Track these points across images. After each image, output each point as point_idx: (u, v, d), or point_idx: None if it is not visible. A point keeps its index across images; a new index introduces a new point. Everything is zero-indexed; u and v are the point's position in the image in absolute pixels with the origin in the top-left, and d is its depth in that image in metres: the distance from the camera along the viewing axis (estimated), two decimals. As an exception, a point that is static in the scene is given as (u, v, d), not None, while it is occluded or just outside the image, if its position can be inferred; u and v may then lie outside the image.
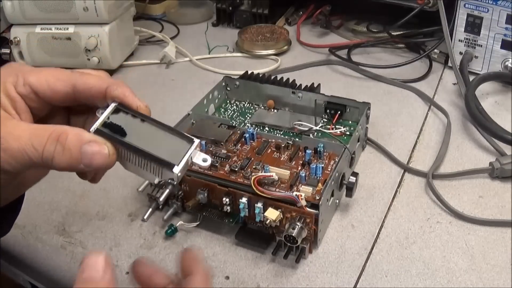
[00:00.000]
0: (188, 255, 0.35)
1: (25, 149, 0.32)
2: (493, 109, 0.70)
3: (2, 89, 0.35)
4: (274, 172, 0.51)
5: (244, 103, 0.70)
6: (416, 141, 0.66)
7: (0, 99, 0.34)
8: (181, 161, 0.34)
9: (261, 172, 0.52)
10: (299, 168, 0.54)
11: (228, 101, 0.70)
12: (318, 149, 0.55)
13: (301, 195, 0.47)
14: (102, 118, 0.35)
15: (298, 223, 0.47)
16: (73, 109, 0.39)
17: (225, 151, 0.56)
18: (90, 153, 0.33)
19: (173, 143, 0.35)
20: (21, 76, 0.35)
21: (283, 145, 0.56)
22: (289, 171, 0.52)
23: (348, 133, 0.62)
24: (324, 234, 0.53)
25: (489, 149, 0.64)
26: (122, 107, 0.35)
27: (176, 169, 0.34)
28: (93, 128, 0.34)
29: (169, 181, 0.37)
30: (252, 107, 0.69)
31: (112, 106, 0.35)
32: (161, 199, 0.52)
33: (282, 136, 0.62)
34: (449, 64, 0.80)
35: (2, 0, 0.79)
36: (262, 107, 0.69)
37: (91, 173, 0.38)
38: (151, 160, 0.34)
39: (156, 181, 0.36)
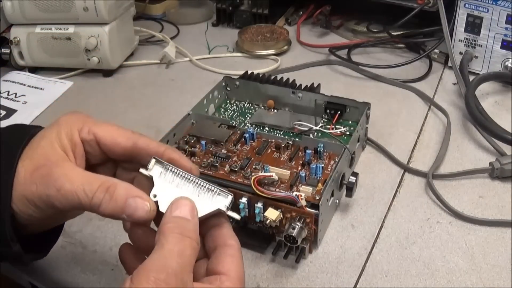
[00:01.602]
0: (226, 251, 0.37)
1: (76, 192, 0.35)
2: (493, 109, 0.70)
3: (67, 132, 0.38)
4: (274, 172, 0.51)
5: (244, 103, 0.70)
6: (416, 141, 0.66)
7: (63, 140, 0.38)
8: (229, 195, 0.38)
9: (261, 172, 0.52)
10: (299, 168, 0.54)
11: (228, 101, 0.70)
12: (318, 149, 0.55)
13: (301, 195, 0.47)
14: (155, 178, 0.38)
15: (298, 223, 0.47)
16: (120, 165, 0.42)
17: (225, 151, 0.56)
18: (133, 206, 0.36)
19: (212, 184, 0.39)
20: (87, 125, 0.39)
21: (283, 145, 0.56)
22: (289, 171, 0.52)
23: (348, 133, 0.62)
24: (324, 234, 0.53)
25: (489, 149, 0.64)
26: (160, 160, 0.39)
27: (230, 197, 0.38)
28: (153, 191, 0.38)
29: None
30: (252, 107, 0.69)
31: (153, 161, 0.39)
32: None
33: (282, 136, 0.62)
34: (449, 64, 0.80)
35: (2, 0, 0.79)
36: (262, 107, 0.69)
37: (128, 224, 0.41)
38: (206, 186, 0.38)
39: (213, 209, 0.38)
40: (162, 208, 0.37)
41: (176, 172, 0.38)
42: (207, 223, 0.38)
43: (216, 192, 0.38)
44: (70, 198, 0.35)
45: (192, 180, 0.38)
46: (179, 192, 0.38)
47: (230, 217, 0.39)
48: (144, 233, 0.39)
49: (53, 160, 0.37)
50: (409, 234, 0.52)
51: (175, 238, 0.34)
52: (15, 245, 0.37)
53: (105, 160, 0.41)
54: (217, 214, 0.38)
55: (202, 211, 0.37)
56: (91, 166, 0.40)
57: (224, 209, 0.37)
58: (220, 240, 0.38)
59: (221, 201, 0.38)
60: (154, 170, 0.38)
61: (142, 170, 0.38)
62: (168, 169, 0.38)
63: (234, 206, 0.51)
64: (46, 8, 0.78)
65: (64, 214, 0.41)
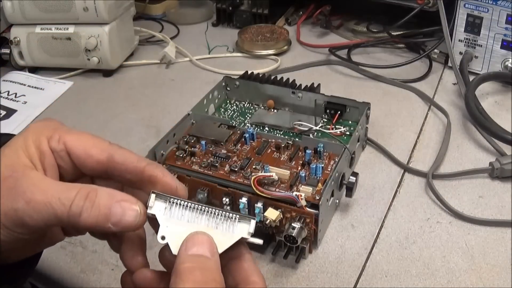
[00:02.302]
0: (244, 265, 0.33)
1: (51, 203, 0.30)
2: (493, 109, 0.70)
3: (34, 140, 0.33)
4: (274, 172, 0.51)
5: (244, 103, 0.70)
6: (416, 141, 0.66)
7: (30, 148, 0.33)
8: (252, 219, 0.33)
9: (261, 172, 0.52)
10: (299, 168, 0.54)
11: (228, 101, 0.70)
12: (318, 149, 0.55)
13: (301, 195, 0.47)
14: (150, 202, 0.33)
15: (298, 223, 0.47)
16: (97, 183, 0.36)
17: (225, 151, 0.56)
18: (119, 212, 0.31)
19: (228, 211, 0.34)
20: (58, 133, 0.34)
21: (283, 145, 0.56)
22: (289, 171, 0.52)
23: (348, 133, 0.62)
24: (324, 234, 0.53)
25: (489, 149, 0.64)
26: (161, 194, 0.33)
27: (253, 222, 0.33)
28: (150, 203, 0.33)
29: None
30: (252, 107, 0.69)
31: (152, 197, 0.33)
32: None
33: (282, 136, 0.62)
34: (449, 64, 0.80)
35: (2, 0, 0.79)
36: (262, 107, 0.69)
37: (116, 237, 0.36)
38: (224, 214, 0.33)
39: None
40: (175, 250, 0.31)
41: (184, 205, 0.33)
42: (224, 256, 0.33)
43: (235, 219, 0.33)
44: (43, 211, 0.30)
45: (205, 211, 0.33)
46: (192, 228, 0.32)
47: (251, 243, 0.33)
48: (152, 277, 0.34)
49: (19, 171, 0.31)
50: (409, 234, 0.52)
51: (196, 281, 0.29)
52: None
53: (80, 176, 0.35)
54: (236, 243, 0.33)
55: (223, 245, 0.32)
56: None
57: (248, 236, 0.32)
58: (241, 275, 0.33)
59: (243, 228, 0.33)
60: (156, 207, 0.33)
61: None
62: (174, 202, 0.33)
63: (235, 206, 0.51)
64: (46, 8, 0.78)
65: (37, 236, 0.34)
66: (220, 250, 0.32)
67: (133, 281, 0.34)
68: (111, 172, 0.34)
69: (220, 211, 0.33)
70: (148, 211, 0.32)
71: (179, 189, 0.35)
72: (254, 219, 0.33)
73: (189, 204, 0.33)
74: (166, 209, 0.33)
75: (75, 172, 0.35)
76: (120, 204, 0.31)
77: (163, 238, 0.32)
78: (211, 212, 0.33)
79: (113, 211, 0.31)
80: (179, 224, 0.32)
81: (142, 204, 0.32)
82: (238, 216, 0.33)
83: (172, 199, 0.33)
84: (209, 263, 0.30)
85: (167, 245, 0.32)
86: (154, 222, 0.33)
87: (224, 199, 0.50)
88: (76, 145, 0.34)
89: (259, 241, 0.33)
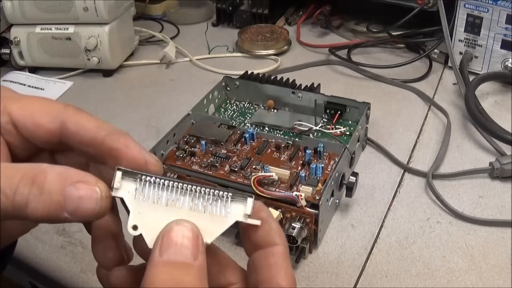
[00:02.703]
0: (266, 224, 0.27)
1: None
2: (493, 109, 0.70)
3: None
4: (274, 172, 0.51)
5: (244, 103, 0.70)
6: (416, 141, 0.66)
7: None
8: (248, 197, 0.26)
9: (261, 172, 0.52)
10: (299, 168, 0.54)
11: (228, 101, 0.70)
12: (318, 149, 0.55)
13: (301, 195, 0.47)
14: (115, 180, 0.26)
15: (298, 223, 0.47)
16: (58, 159, 0.31)
17: (225, 151, 0.56)
18: (76, 197, 0.24)
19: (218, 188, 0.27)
20: (1, 103, 0.28)
21: (283, 145, 0.56)
22: (289, 171, 0.52)
23: (348, 133, 0.62)
24: (324, 234, 0.53)
25: (489, 149, 0.64)
26: (131, 171, 0.26)
27: (250, 201, 0.26)
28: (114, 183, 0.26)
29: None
30: (252, 107, 0.69)
31: (118, 174, 0.26)
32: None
33: (282, 136, 0.62)
34: (449, 64, 0.80)
35: (2, 0, 0.79)
36: (262, 107, 0.69)
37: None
38: (213, 192, 0.26)
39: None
40: (151, 243, 0.25)
41: (160, 183, 0.26)
42: (250, 241, 0.28)
43: (227, 197, 0.26)
44: None
45: (188, 190, 0.26)
46: (172, 213, 0.25)
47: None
48: (129, 277, 0.28)
49: None
50: (409, 234, 0.52)
51: None
52: None
53: (37, 152, 0.30)
54: (265, 228, 0.27)
55: (213, 233, 0.26)
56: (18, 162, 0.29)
57: (244, 220, 0.26)
58: (265, 274, 0.27)
59: (238, 209, 0.26)
60: (123, 188, 0.25)
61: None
62: (146, 180, 0.26)
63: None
64: (46, 8, 0.78)
65: None
66: (209, 240, 0.26)
67: (109, 282, 0.29)
68: (67, 145, 0.28)
69: (208, 189, 0.26)
70: (114, 193, 0.25)
71: (150, 164, 0.27)
72: (252, 196, 0.26)
73: (167, 181, 0.26)
74: (137, 190, 0.26)
75: (28, 147, 0.29)
76: (75, 187, 0.24)
77: (135, 228, 0.25)
78: (196, 191, 0.26)
79: (67, 197, 0.24)
80: (155, 209, 0.25)
81: (104, 185, 0.25)
82: (231, 194, 0.26)
83: (143, 176, 0.26)
84: (190, 274, 0.24)
85: (141, 236, 0.25)
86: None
87: (224, 199, 0.50)
88: (23, 114, 0.28)
89: (257, 222, 0.27)
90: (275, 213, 0.48)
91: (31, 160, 0.30)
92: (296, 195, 0.47)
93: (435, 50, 0.84)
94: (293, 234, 0.46)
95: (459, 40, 0.78)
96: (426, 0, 0.81)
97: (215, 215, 0.26)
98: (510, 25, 0.72)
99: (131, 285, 0.28)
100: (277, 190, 0.51)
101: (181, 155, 0.55)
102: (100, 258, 0.29)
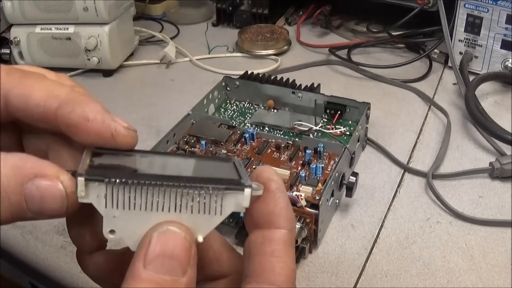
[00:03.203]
0: (271, 199, 0.23)
1: None
2: (493, 109, 0.70)
3: None
4: (274, 172, 0.51)
5: (244, 103, 0.70)
6: (416, 141, 0.66)
7: None
8: (244, 178, 0.23)
9: (261, 172, 0.52)
10: (299, 168, 0.54)
11: (228, 101, 0.70)
12: (318, 149, 0.55)
13: (301, 195, 0.47)
14: (82, 164, 0.22)
15: (298, 223, 0.47)
16: (26, 136, 0.25)
17: (225, 151, 0.56)
18: (37, 195, 0.20)
19: (212, 166, 0.24)
20: None
21: (283, 145, 0.56)
22: (289, 171, 0.52)
23: (348, 133, 0.62)
24: (324, 234, 0.53)
25: (489, 149, 0.64)
26: (103, 150, 0.22)
27: (247, 192, 0.22)
28: (78, 176, 0.21)
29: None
30: (252, 107, 0.69)
31: (85, 153, 0.22)
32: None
33: (282, 136, 0.62)
34: (449, 64, 0.80)
35: (2, 0, 0.79)
36: (262, 107, 0.69)
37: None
38: (202, 186, 0.21)
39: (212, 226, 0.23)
40: (134, 246, 0.22)
41: (134, 183, 0.21)
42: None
43: (218, 190, 0.22)
44: None
45: (168, 186, 0.21)
46: (156, 217, 0.21)
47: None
48: (107, 264, 0.25)
49: None
50: (409, 234, 0.52)
51: None
52: None
53: None
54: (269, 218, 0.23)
55: (203, 229, 0.22)
56: None
57: (241, 210, 0.23)
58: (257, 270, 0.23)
59: (231, 201, 0.22)
60: (90, 193, 0.21)
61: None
62: (117, 183, 0.21)
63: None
64: (46, 8, 0.78)
65: None
66: (201, 237, 0.22)
67: (87, 268, 0.26)
68: (17, 122, 0.23)
69: (193, 185, 0.21)
70: (80, 200, 0.21)
71: (119, 135, 0.22)
72: (249, 186, 0.22)
73: (141, 181, 0.21)
74: (107, 195, 0.21)
75: None
76: (34, 184, 0.20)
77: (112, 232, 0.22)
78: (178, 187, 0.21)
79: (28, 197, 0.20)
80: (132, 213, 0.21)
81: (68, 177, 0.21)
82: (223, 187, 0.22)
83: (111, 178, 0.21)
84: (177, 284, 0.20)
85: (121, 240, 0.22)
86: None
87: (224, 199, 0.50)
88: None
89: (259, 192, 0.23)
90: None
91: None
92: (296, 195, 0.47)
93: (435, 50, 0.84)
94: (293, 234, 0.46)
95: (459, 40, 0.78)
96: (426, 0, 0.81)
97: (204, 213, 0.22)
98: (510, 25, 0.72)
99: (111, 272, 0.25)
100: (277, 190, 0.50)
101: (181, 155, 0.55)
102: (77, 241, 0.26)
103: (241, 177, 0.23)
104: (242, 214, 0.24)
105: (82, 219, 0.25)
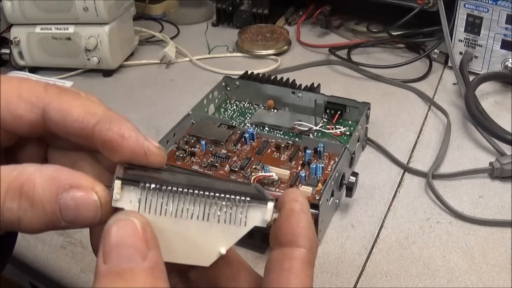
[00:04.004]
0: (294, 219, 0.24)
1: None
2: (493, 109, 0.70)
3: None
4: (274, 172, 0.51)
5: (244, 103, 0.70)
6: (416, 141, 0.66)
7: None
8: (267, 194, 0.24)
9: (261, 172, 0.52)
10: (299, 168, 0.54)
11: (228, 101, 0.70)
12: (318, 149, 0.55)
13: (301, 195, 0.47)
14: (117, 172, 0.23)
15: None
16: (50, 142, 0.26)
17: (225, 151, 0.56)
18: (72, 206, 0.21)
19: (236, 185, 0.25)
20: None
21: (283, 145, 0.56)
22: (289, 171, 0.52)
23: (348, 133, 0.62)
24: (324, 234, 0.53)
25: (489, 149, 0.64)
26: (129, 178, 0.23)
27: (270, 205, 0.24)
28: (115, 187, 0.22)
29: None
30: (252, 107, 0.69)
31: (117, 184, 0.22)
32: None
33: (282, 136, 0.62)
34: (449, 64, 0.80)
35: (2, 0, 0.79)
36: (262, 107, 0.69)
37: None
38: (229, 197, 0.23)
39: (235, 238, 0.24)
40: (164, 257, 0.22)
41: (166, 190, 0.22)
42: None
43: (243, 202, 0.23)
44: None
45: (198, 195, 0.23)
46: (182, 224, 0.23)
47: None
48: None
49: None
50: (409, 234, 0.52)
51: None
52: None
53: (23, 140, 0.26)
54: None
55: (227, 242, 0.24)
56: (5, 151, 0.25)
57: (263, 225, 0.24)
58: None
59: (256, 215, 0.24)
60: (124, 197, 0.22)
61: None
62: (150, 188, 0.22)
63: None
64: (46, 8, 0.78)
65: None
66: (224, 249, 0.24)
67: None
68: (54, 136, 0.24)
69: (221, 195, 0.23)
70: (114, 204, 0.22)
71: (151, 155, 0.24)
72: (273, 200, 0.24)
73: (174, 188, 0.22)
74: (140, 200, 0.22)
75: (12, 137, 0.25)
76: (69, 195, 0.21)
77: None
78: (207, 196, 0.23)
79: (62, 207, 0.21)
80: (162, 220, 0.22)
81: (102, 188, 0.22)
82: (248, 199, 0.23)
83: (147, 183, 0.22)
84: (139, 279, 0.20)
85: None
86: None
87: (224, 199, 0.50)
88: None
89: (275, 215, 0.25)
90: (275, 213, 0.48)
91: (17, 150, 0.26)
92: (296, 195, 0.47)
93: (435, 50, 0.84)
94: (293, 234, 0.46)
95: (459, 40, 0.78)
96: (426, 0, 0.81)
97: (229, 224, 0.23)
98: (510, 25, 0.72)
99: None
100: (277, 190, 0.51)
101: (181, 155, 0.55)
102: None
103: (264, 194, 0.24)
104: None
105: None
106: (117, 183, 0.22)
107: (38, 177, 0.21)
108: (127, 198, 0.22)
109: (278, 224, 0.24)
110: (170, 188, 0.22)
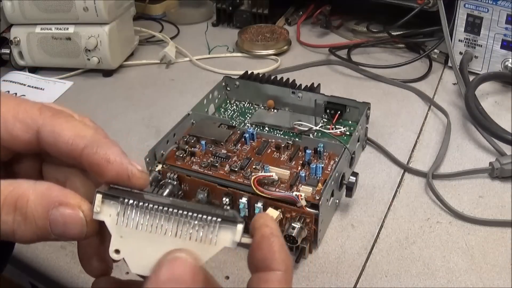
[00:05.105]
0: (266, 244, 0.25)
1: None
2: (493, 109, 0.70)
3: None
4: (274, 172, 0.51)
5: (244, 103, 0.70)
6: (416, 141, 0.66)
7: None
8: (238, 217, 0.25)
9: (261, 172, 0.52)
10: (299, 168, 0.54)
11: (228, 101, 0.70)
12: (318, 149, 0.55)
13: (301, 195, 0.47)
14: (100, 188, 0.25)
15: (298, 223, 0.47)
16: (46, 158, 0.28)
17: (225, 151, 0.56)
18: (61, 221, 0.24)
19: (212, 208, 0.26)
20: None
21: (283, 145, 0.56)
22: (289, 171, 0.52)
23: (348, 133, 0.62)
24: (324, 234, 0.53)
25: (489, 149, 0.64)
26: (109, 193, 0.25)
27: (240, 227, 0.25)
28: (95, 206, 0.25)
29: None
30: (252, 107, 0.69)
31: (98, 197, 0.25)
32: (161, 199, 0.52)
33: (282, 136, 0.62)
34: (449, 64, 0.80)
35: (2, 0, 0.79)
36: (262, 107, 0.69)
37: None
38: (201, 217, 0.25)
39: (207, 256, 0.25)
40: (135, 269, 0.25)
41: (142, 206, 0.24)
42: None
43: (215, 223, 0.25)
44: None
45: (174, 214, 0.24)
46: (156, 240, 0.24)
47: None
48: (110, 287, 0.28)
49: None
50: (409, 234, 0.52)
51: None
52: None
53: (18, 156, 0.28)
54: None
55: (199, 259, 0.24)
56: (3, 165, 0.27)
57: (233, 245, 0.25)
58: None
59: (226, 235, 0.25)
60: (104, 211, 0.25)
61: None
62: (129, 203, 0.24)
63: (235, 206, 0.51)
64: (46, 8, 0.78)
65: None
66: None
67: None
68: (46, 155, 0.26)
69: (193, 214, 0.25)
70: (94, 217, 0.25)
71: (134, 177, 0.26)
72: (242, 222, 0.25)
73: (150, 205, 0.24)
74: (118, 214, 0.25)
75: (9, 152, 0.27)
76: (59, 211, 0.24)
77: (117, 252, 0.25)
78: (181, 216, 0.24)
79: (52, 222, 0.24)
80: (138, 235, 0.24)
81: (88, 207, 0.24)
82: (219, 220, 0.25)
83: (126, 199, 0.24)
84: None
85: (123, 260, 0.25)
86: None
87: (224, 199, 0.50)
88: None
89: (248, 241, 0.26)
90: (275, 213, 0.48)
91: (14, 164, 0.28)
92: (296, 195, 0.47)
93: (435, 50, 0.84)
94: (293, 234, 0.46)
95: (459, 40, 0.78)
96: (426, 0, 0.81)
97: (201, 242, 0.25)
98: (510, 25, 0.72)
99: None
100: (277, 190, 0.51)
101: (181, 155, 0.55)
102: (85, 265, 0.29)
103: (236, 217, 0.25)
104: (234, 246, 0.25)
105: (92, 245, 0.28)
106: (98, 197, 0.24)
107: (31, 194, 0.24)
108: (107, 212, 0.25)
109: (252, 250, 0.25)
110: (146, 205, 0.24)
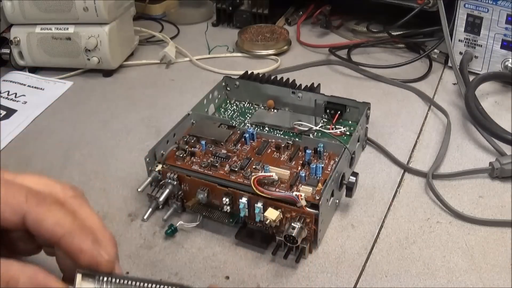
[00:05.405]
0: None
1: None
2: (493, 109, 0.70)
3: None
4: (274, 172, 0.51)
5: (244, 103, 0.70)
6: (416, 141, 0.66)
7: None
8: None
9: (261, 172, 0.52)
10: (299, 168, 0.54)
11: (228, 101, 0.70)
12: (318, 149, 0.55)
13: (301, 195, 0.47)
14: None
15: (298, 223, 0.47)
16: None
17: (225, 151, 0.56)
18: None
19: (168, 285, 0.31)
20: None
21: (283, 145, 0.56)
22: (289, 171, 0.52)
23: (348, 133, 0.62)
24: (324, 234, 0.53)
25: (489, 149, 0.64)
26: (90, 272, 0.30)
27: None
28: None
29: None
30: (252, 107, 0.69)
31: (78, 277, 0.29)
32: (161, 199, 0.52)
33: (282, 136, 0.62)
34: (449, 64, 0.80)
35: (2, 0, 0.79)
36: (262, 107, 0.69)
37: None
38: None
39: None
40: None
41: (115, 281, 0.30)
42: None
43: None
44: None
45: (139, 286, 0.30)
46: None
47: None
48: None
49: None
50: (409, 234, 0.52)
51: None
52: None
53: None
54: None
55: None
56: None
57: None
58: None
59: None
60: (85, 285, 0.29)
61: None
62: (104, 280, 0.30)
63: (235, 206, 0.51)
64: (46, 8, 0.78)
65: None
66: None
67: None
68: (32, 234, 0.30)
69: (157, 286, 0.30)
70: None
71: (101, 266, 0.30)
72: None
73: (120, 280, 0.30)
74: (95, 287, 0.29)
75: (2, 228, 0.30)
76: None
77: None
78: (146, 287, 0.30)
79: None
80: None
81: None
82: None
83: (101, 276, 0.29)
84: None
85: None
86: None
87: (224, 199, 0.50)
88: None
89: None
90: (275, 213, 0.48)
91: (10, 232, 0.31)
92: (296, 195, 0.47)
93: (435, 50, 0.84)
94: (293, 234, 0.46)
95: (459, 40, 0.78)
96: (426, 0, 0.81)
97: None
98: (510, 25, 0.73)
99: None
100: (277, 190, 0.51)
101: (181, 155, 0.55)
102: None
103: None
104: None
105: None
106: (78, 276, 0.29)
107: (20, 276, 0.27)
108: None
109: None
110: (119, 280, 0.29)
